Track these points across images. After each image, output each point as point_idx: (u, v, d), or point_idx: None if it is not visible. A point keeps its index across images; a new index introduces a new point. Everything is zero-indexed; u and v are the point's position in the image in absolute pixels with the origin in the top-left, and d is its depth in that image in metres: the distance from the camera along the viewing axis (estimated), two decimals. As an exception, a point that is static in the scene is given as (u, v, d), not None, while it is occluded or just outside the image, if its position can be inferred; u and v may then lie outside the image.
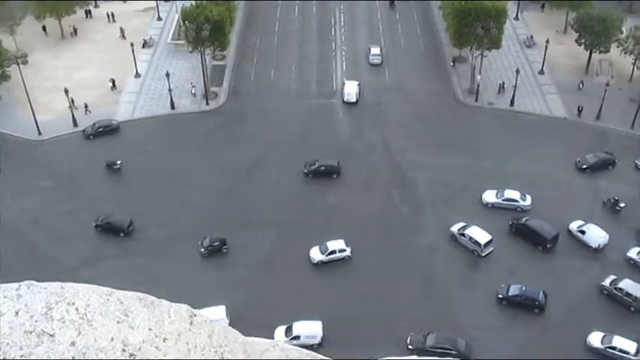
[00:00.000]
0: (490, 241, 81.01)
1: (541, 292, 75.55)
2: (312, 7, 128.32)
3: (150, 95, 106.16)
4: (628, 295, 75.49)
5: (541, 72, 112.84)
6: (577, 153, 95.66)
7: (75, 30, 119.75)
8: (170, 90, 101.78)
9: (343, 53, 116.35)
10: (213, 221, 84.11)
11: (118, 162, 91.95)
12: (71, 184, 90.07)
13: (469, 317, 74.33)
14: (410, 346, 70.21)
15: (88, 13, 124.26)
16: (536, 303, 75.07)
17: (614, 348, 71.02)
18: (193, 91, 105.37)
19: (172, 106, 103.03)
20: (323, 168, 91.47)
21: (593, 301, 77.23)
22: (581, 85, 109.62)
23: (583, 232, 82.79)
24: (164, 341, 5.83)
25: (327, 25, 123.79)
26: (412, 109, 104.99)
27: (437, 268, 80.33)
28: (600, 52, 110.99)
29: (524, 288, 75.67)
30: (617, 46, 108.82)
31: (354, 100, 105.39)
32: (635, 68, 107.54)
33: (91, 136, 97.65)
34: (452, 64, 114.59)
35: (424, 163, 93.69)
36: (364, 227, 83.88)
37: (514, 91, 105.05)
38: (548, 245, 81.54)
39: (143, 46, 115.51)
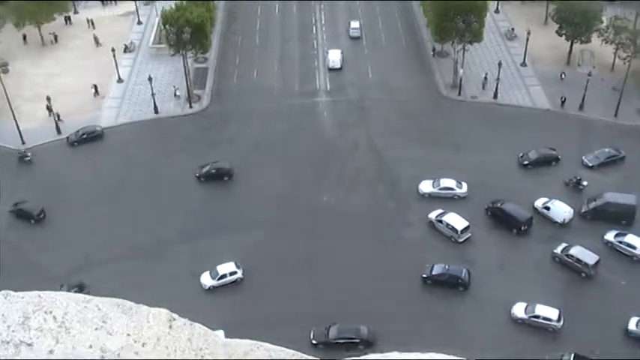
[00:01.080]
0: (467, 227, 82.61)
1: (464, 269, 77.66)
2: (292, 6, 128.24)
3: (133, 100, 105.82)
4: (578, 261, 78.22)
5: (523, 64, 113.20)
6: (560, 143, 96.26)
7: (55, 37, 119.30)
8: (153, 94, 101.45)
9: (326, 51, 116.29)
10: (198, 226, 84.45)
11: (28, 154, 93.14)
12: (57, 192, 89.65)
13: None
14: (313, 341, 70.82)
15: (67, 19, 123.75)
16: (460, 281, 77.01)
17: (537, 317, 73.20)
18: (178, 93, 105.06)
19: (156, 111, 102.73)
20: (214, 171, 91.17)
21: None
22: (563, 76, 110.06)
23: (548, 209, 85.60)
24: (143, 346, 5.80)
25: (308, 24, 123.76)
26: (396, 105, 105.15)
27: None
28: (581, 43, 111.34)
29: (447, 267, 77.71)
30: (598, 36, 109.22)
31: (338, 66, 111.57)
32: (617, 58, 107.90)
33: (75, 143, 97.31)
34: (432, 53, 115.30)
35: (409, 159, 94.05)
36: (358, 223, 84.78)
37: (497, 84, 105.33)
38: (522, 228, 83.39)
39: (124, 51, 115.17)
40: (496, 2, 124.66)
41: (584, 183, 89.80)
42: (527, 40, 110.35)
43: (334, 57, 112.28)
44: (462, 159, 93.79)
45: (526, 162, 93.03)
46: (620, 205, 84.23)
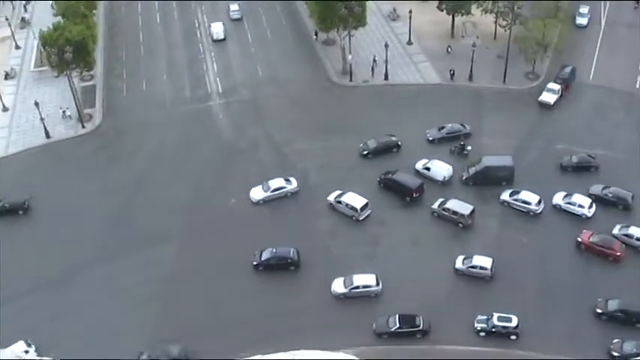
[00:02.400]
0: (366, 204, 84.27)
1: (292, 249, 79.34)
2: (173, 13, 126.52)
3: (22, 128, 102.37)
4: (454, 213, 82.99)
5: (409, 42, 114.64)
6: (454, 116, 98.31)
7: None
8: (42, 119, 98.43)
9: (213, 54, 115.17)
10: (105, 245, 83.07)
11: None
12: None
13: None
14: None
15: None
16: (290, 261, 78.62)
17: (474, 267, 77.42)
18: (68, 114, 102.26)
19: (47, 135, 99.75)
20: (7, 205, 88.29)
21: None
22: (449, 50, 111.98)
23: (428, 169, 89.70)
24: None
25: (191, 29, 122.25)
26: (289, 98, 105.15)
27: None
28: (462, 15, 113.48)
29: (274, 250, 79.29)
30: (477, 7, 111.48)
31: (222, 37, 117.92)
32: (497, 26, 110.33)
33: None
34: (314, 37, 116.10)
35: (309, 151, 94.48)
36: (267, 219, 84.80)
37: (386, 66, 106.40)
38: (414, 195, 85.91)
39: (5, 78, 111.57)
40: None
41: (469, 148, 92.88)
42: (410, 18, 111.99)
43: (217, 29, 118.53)
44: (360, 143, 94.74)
45: (365, 152, 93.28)
46: (500, 167, 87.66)
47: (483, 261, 77.48)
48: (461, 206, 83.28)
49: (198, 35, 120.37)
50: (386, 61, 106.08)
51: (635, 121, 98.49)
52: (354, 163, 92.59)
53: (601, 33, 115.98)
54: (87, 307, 76.00)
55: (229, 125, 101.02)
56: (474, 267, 77.29)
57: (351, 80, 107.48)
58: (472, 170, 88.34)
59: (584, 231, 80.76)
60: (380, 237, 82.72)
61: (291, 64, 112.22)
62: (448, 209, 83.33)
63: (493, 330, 71.40)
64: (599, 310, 73.10)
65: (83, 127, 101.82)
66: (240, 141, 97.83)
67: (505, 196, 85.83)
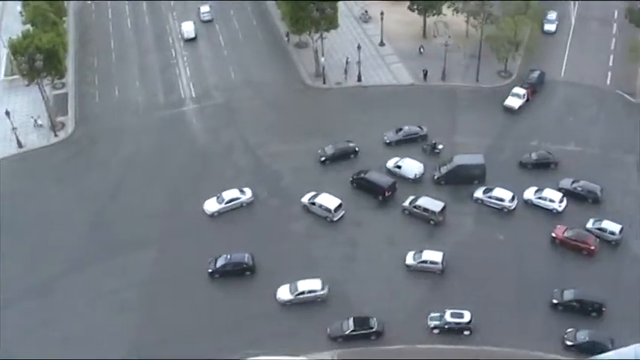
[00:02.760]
0: (340, 205, 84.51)
1: (247, 255, 78.74)
2: (144, 18, 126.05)
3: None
4: (425, 210, 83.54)
5: (381, 44, 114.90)
6: (426, 116, 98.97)
7: None
8: (14, 128, 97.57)
9: (185, 59, 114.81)
10: (83, 253, 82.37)
11: None
12: None
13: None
14: None
15: None
16: (245, 266, 78.26)
17: (425, 261, 77.91)
18: (40, 122, 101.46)
19: (19, 145, 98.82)
20: None
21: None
22: (421, 50, 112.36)
23: (399, 167, 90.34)
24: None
25: (163, 34, 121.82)
26: (263, 101, 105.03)
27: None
28: (434, 15, 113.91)
29: (229, 256, 78.70)
30: (449, 7, 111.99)
31: (193, 35, 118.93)
32: (469, 25, 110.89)
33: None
34: (286, 39, 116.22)
35: (283, 153, 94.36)
36: (243, 224, 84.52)
37: (359, 67, 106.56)
38: (386, 194, 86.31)
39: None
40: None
41: (440, 147, 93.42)
42: (382, 19, 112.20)
43: (188, 28, 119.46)
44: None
45: (323, 158, 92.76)
46: (471, 165, 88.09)
47: (433, 255, 77.95)
48: (432, 203, 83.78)
49: (170, 40, 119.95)
50: (359, 63, 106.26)
51: (606, 116, 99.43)
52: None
53: (572, 30, 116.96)
54: (66, 313, 75.70)
55: (203, 130, 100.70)
56: (424, 262, 77.77)
57: (324, 82, 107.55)
58: (444, 169, 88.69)
59: (558, 226, 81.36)
60: (352, 237, 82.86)
61: (264, 67, 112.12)
62: (419, 206, 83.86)
63: (446, 327, 71.61)
64: (555, 301, 74.16)
65: (56, 135, 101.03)
66: (214, 145, 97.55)
67: (479, 193, 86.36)
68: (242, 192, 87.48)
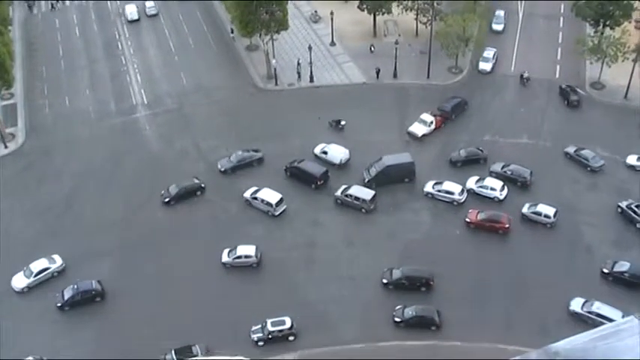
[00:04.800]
0: (281, 200, 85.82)
1: (93, 281, 77.09)
2: (92, 25, 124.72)
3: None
4: (357, 199, 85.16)
5: (332, 44, 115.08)
6: (379, 112, 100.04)
7: None
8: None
9: (135, 66, 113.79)
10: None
11: None
12: None
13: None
14: None
15: None
16: (94, 293, 76.32)
17: (239, 257, 78.78)
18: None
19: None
20: None
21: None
22: (372, 49, 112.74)
23: (325, 153, 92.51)
24: None
25: (112, 41, 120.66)
26: (215, 106, 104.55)
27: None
28: (383, 14, 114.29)
29: (75, 286, 76.44)
30: (398, 6, 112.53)
31: (136, 17, 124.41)
32: (418, 23, 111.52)
33: None
34: (231, 34, 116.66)
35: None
36: (200, 231, 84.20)
37: (311, 68, 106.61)
38: (319, 182, 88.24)
39: None
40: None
41: (343, 122, 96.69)
42: (332, 19, 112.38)
43: (131, 10, 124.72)
44: (288, 147, 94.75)
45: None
46: (400, 165, 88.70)
47: (247, 250, 79.14)
48: (363, 192, 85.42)
49: (120, 47, 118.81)
50: (310, 64, 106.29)
51: (555, 108, 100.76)
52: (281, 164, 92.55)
53: (519, 25, 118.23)
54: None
55: (157, 136, 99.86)
56: (238, 257, 78.91)
57: (276, 84, 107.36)
58: (373, 171, 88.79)
59: (470, 210, 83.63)
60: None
61: (215, 70, 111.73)
62: (350, 195, 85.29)
63: (270, 337, 71.77)
64: (385, 281, 76.31)
65: (6, 147, 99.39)
66: (168, 151, 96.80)
67: (428, 187, 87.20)
68: (51, 260, 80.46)
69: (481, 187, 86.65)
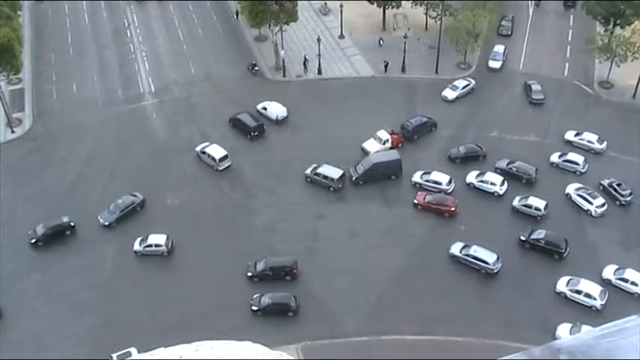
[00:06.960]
0: (226, 156, 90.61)
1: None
2: (101, 13, 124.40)
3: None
4: (325, 177, 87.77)
5: (341, 36, 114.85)
6: (388, 107, 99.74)
7: None
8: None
9: (144, 54, 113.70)
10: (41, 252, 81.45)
11: None
12: None
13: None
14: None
15: None
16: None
17: (150, 245, 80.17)
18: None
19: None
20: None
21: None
22: (381, 42, 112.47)
23: (265, 109, 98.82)
24: None
25: (121, 28, 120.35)
26: (223, 95, 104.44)
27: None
28: (393, 8, 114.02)
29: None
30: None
31: None
32: (428, 17, 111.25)
33: None
34: (235, 16, 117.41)
35: (243, 146, 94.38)
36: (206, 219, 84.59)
37: (319, 60, 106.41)
38: (253, 133, 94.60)
39: None
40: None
41: (257, 68, 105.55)
42: (341, 12, 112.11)
43: None
44: (299, 139, 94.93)
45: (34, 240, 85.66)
46: (387, 162, 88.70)
47: (158, 239, 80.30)
48: (331, 170, 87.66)
49: (129, 35, 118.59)
50: (319, 56, 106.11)
51: (564, 106, 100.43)
52: (287, 157, 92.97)
53: (529, 23, 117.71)
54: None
55: (163, 125, 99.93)
56: (149, 246, 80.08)
57: (284, 76, 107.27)
58: (360, 169, 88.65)
59: (419, 193, 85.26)
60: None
61: (224, 60, 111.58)
62: (319, 174, 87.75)
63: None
64: (249, 274, 77.59)
65: (12, 132, 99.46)
66: (174, 140, 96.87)
67: (416, 177, 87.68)
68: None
69: (481, 181, 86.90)
